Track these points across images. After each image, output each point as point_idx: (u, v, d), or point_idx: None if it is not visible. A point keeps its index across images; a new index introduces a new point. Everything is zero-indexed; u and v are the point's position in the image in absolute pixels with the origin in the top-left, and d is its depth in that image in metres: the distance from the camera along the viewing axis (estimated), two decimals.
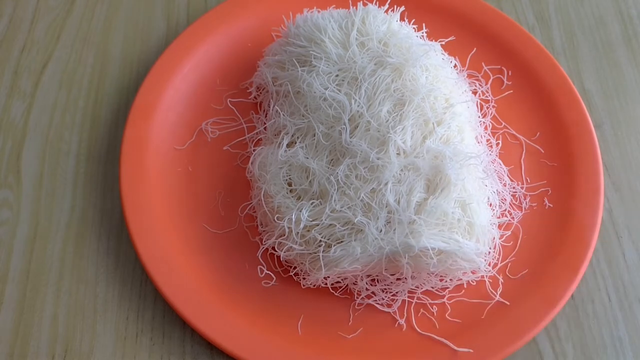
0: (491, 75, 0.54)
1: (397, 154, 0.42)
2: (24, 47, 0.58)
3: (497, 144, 0.51)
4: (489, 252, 0.45)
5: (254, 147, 0.50)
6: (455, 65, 0.52)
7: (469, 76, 0.54)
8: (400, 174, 0.42)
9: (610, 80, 0.57)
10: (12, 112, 0.54)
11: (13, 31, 0.59)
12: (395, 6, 0.50)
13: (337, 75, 0.46)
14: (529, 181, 0.49)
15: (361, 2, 0.49)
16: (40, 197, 0.50)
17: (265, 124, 0.50)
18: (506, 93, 0.54)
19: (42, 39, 0.58)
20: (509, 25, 0.56)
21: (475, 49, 0.56)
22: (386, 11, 0.49)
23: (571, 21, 0.60)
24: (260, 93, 0.53)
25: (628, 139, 0.54)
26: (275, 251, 0.44)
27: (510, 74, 0.54)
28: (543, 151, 0.51)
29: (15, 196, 0.50)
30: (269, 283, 0.45)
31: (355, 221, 0.41)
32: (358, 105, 0.44)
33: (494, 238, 0.45)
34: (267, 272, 0.45)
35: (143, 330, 0.45)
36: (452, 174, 0.41)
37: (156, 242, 0.46)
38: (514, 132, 0.52)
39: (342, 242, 0.41)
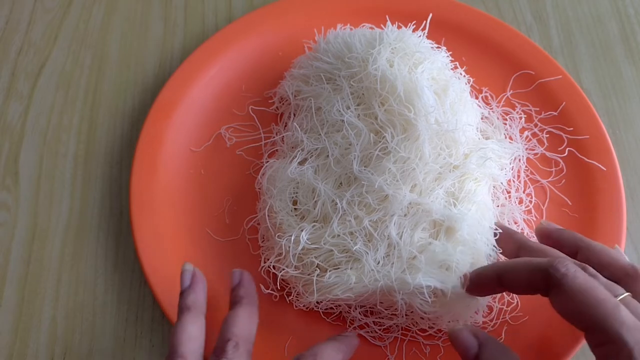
0: (522, 115, 0.52)
1: (412, 186, 0.42)
2: (21, 49, 0.58)
3: (519, 189, 0.49)
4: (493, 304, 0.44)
5: (268, 158, 0.50)
6: (488, 102, 0.51)
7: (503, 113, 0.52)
8: (408, 208, 0.41)
9: (608, 79, 0.57)
10: (9, 114, 0.54)
11: (10, 33, 0.59)
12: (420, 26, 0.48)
13: (359, 97, 0.45)
14: None
15: (396, 23, 0.48)
16: (38, 199, 0.50)
17: (283, 136, 0.50)
18: (535, 139, 0.51)
19: (39, 41, 0.58)
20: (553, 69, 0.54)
21: (510, 85, 0.53)
22: (414, 30, 0.48)
23: (569, 20, 0.60)
24: (282, 104, 0.52)
25: (626, 138, 0.54)
26: (272, 269, 0.44)
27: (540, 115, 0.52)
28: (570, 203, 0.48)
29: (13, 198, 0.50)
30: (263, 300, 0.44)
31: (354, 249, 0.40)
32: (377, 134, 0.43)
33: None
34: (263, 288, 0.44)
35: (142, 332, 0.45)
36: (464, 229, 0.40)
37: (157, 240, 0.45)
38: (539, 178, 0.50)
39: (338, 268, 0.41)
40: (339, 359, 0.38)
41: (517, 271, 0.36)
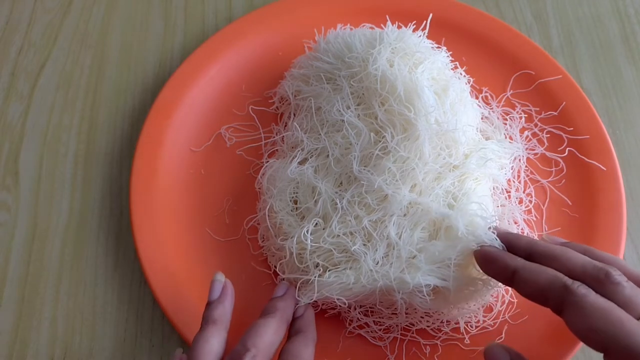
0: (523, 115, 0.52)
1: (411, 186, 0.41)
2: (21, 49, 0.58)
3: (520, 189, 0.49)
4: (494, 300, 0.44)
5: (268, 158, 0.50)
6: (488, 102, 0.51)
7: (503, 113, 0.52)
8: (407, 208, 0.41)
9: (609, 79, 0.57)
10: (9, 113, 0.54)
11: (10, 33, 0.59)
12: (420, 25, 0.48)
13: (359, 97, 0.45)
14: (546, 229, 0.48)
15: (397, 23, 0.48)
16: (38, 199, 0.50)
17: (283, 136, 0.50)
18: (535, 139, 0.51)
19: (39, 41, 0.58)
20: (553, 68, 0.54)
21: (510, 85, 0.53)
22: (414, 29, 0.47)
23: (569, 20, 0.60)
24: (282, 104, 0.52)
25: (626, 138, 0.54)
26: (275, 268, 0.44)
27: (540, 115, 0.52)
28: (570, 203, 0.48)
29: (14, 198, 0.50)
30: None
31: (352, 250, 0.40)
32: (377, 134, 0.43)
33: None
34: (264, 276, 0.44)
35: (142, 332, 0.45)
36: (462, 227, 0.39)
37: (157, 240, 0.45)
38: (539, 178, 0.49)
39: (337, 268, 0.40)
40: (310, 352, 0.38)
41: (536, 275, 0.35)
